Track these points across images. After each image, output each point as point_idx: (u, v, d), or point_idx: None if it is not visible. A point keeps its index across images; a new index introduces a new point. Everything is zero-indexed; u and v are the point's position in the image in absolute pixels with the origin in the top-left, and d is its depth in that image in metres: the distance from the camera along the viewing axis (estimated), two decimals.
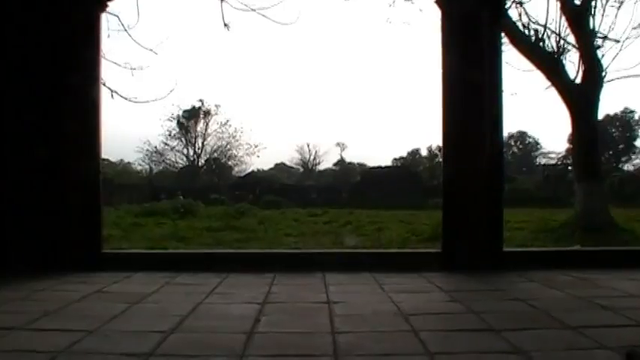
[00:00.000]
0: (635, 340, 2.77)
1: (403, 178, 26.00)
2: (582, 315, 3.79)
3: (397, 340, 3.12)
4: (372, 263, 5.87)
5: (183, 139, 40.37)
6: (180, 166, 40.76)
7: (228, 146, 40.84)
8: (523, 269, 5.67)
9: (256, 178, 34.77)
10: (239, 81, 66.17)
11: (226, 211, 16.73)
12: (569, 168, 26.49)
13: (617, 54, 10.80)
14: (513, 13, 10.19)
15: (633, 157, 44.37)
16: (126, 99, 8.53)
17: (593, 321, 3.58)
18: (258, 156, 44.93)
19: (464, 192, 5.90)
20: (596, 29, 10.42)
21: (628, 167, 42.04)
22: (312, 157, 50.58)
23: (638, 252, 6.82)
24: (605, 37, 10.51)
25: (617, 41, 10.54)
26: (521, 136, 53.60)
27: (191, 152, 40.69)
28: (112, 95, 7.85)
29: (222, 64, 68.03)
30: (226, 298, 4.33)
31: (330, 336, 3.20)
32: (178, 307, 3.91)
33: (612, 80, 11.01)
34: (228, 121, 39.97)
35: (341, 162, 48.83)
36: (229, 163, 41.70)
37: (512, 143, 53.28)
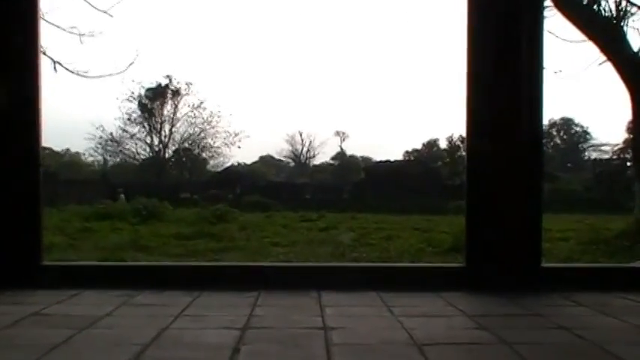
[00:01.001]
0: None
1: (418, 176, 26.11)
2: None
3: None
4: (378, 280, 5.87)
5: (146, 124, 40.26)
6: (143, 157, 40.68)
7: (202, 134, 40.73)
8: (568, 290, 5.65)
9: (237, 173, 34.91)
10: (216, 54, 66.19)
11: (199, 214, 16.86)
12: (628, 164, 26.55)
13: None
14: None
15: None
16: (73, 72, 8.53)
17: None
18: (239, 146, 44.78)
19: (493, 193, 5.90)
20: None
21: None
22: (305, 149, 50.60)
23: None
24: None
25: None
26: (567, 124, 53.61)
27: (156, 141, 40.57)
28: (54, 67, 7.83)
29: (195, 33, 67.98)
30: (198, 323, 4.32)
31: None
32: (138, 333, 3.89)
33: None
34: (202, 103, 39.87)
35: (341, 155, 48.93)
36: (203, 154, 41.60)
37: (555, 133, 53.28)
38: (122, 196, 21.13)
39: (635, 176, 10.90)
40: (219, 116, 39.69)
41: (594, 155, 49.40)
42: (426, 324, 4.36)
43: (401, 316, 4.65)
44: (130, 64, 10.60)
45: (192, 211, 18.01)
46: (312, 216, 17.17)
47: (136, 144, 40.51)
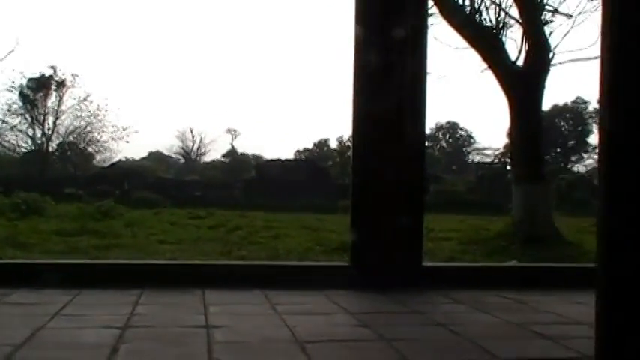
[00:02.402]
0: None
1: (308, 175, 26.28)
2: (516, 344, 3.92)
3: None
4: (264, 278, 5.89)
5: (27, 115, 38.97)
6: (24, 150, 39.36)
7: (89, 128, 39.78)
8: (447, 288, 5.82)
9: (125, 169, 34.29)
10: (104, 46, 64.74)
11: (84, 210, 16.47)
12: (508, 167, 27.44)
13: (569, 32, 11.22)
14: None
15: (585, 156, 46.11)
16: None
17: (528, 352, 3.72)
18: (127, 142, 43.91)
19: (376, 194, 6.00)
20: (545, 1, 10.83)
21: (578, 168, 43.68)
22: (196, 146, 50.49)
23: (586, 269, 7.08)
24: (554, 11, 10.94)
25: (570, 16, 11.02)
26: (452, 128, 55.35)
27: (39, 133, 39.31)
28: None
29: (81, 21, 66.26)
30: (77, 322, 4.22)
31: None
32: (11, 333, 3.75)
33: (562, 63, 11.41)
34: (88, 95, 38.95)
35: (232, 153, 48.96)
36: (89, 149, 40.68)
37: (441, 137, 54.93)
38: None
39: (513, 180, 11.29)
40: (106, 110, 38.86)
41: (477, 159, 50.97)
42: (308, 321, 4.40)
43: (284, 314, 4.70)
44: (10, 52, 10.31)
45: (75, 207, 17.56)
46: (201, 213, 17.02)
47: (17, 136, 39.18)
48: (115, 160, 39.34)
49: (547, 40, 10.65)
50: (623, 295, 2.54)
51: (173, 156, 50.32)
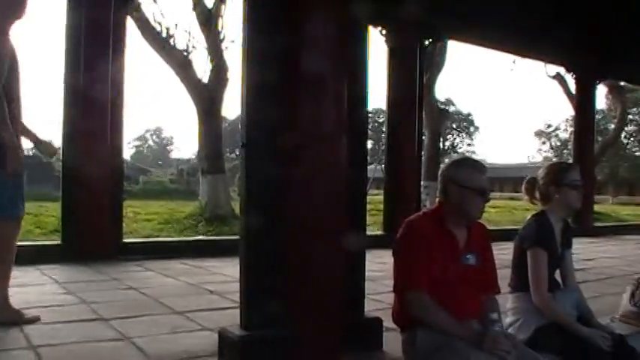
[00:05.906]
0: (233, 320, 2.97)
1: (34, 168, 24.40)
2: (190, 300, 4.09)
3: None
4: None
5: None
6: None
7: None
8: (143, 259, 5.87)
9: None
10: None
11: None
12: None
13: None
14: (147, 8, 10.31)
15: None
16: None
17: (199, 305, 3.91)
18: None
19: (84, 184, 5.87)
20: (224, 32, 11.08)
21: None
22: None
23: None
24: (232, 42, 11.23)
25: None
26: (158, 130, 54.95)
27: None
28: None
29: None
30: None
31: None
32: None
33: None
34: None
35: None
36: None
37: (149, 137, 54.31)
38: None
39: (201, 172, 11.51)
40: None
41: (178, 155, 50.99)
42: (22, 292, 4.19)
43: None
44: None
45: None
46: None
47: None
48: None
49: (225, 62, 10.88)
50: (255, 257, 2.84)
51: None
